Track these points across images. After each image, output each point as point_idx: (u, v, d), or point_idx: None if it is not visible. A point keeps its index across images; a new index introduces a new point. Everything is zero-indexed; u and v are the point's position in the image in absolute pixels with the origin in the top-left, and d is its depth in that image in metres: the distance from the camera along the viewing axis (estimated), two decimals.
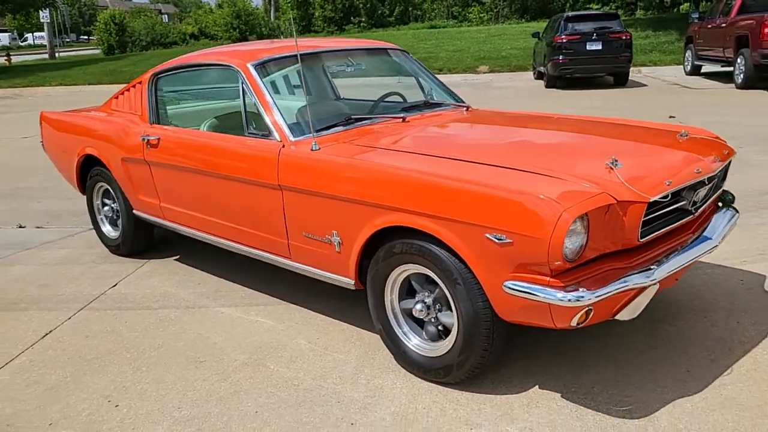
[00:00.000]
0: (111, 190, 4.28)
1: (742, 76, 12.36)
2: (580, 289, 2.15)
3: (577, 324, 2.23)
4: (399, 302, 2.73)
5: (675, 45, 18.84)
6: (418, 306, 2.62)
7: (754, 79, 11.98)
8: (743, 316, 3.08)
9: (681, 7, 27.72)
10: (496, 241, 2.22)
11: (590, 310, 2.20)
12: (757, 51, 11.65)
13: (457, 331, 2.48)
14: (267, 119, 3.14)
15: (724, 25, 13.41)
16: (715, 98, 11.47)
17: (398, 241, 2.57)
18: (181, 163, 3.56)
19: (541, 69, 15.38)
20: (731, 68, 12.90)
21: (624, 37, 13.96)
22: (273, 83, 3.47)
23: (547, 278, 2.18)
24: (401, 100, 3.76)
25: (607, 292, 2.19)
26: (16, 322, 3.47)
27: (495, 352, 2.49)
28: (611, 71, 14.16)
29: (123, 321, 3.41)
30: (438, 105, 3.74)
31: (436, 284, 2.56)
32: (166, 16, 66.54)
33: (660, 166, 2.62)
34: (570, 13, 14.86)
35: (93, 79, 21.48)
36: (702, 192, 2.67)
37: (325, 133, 3.10)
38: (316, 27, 35.35)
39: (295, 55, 3.50)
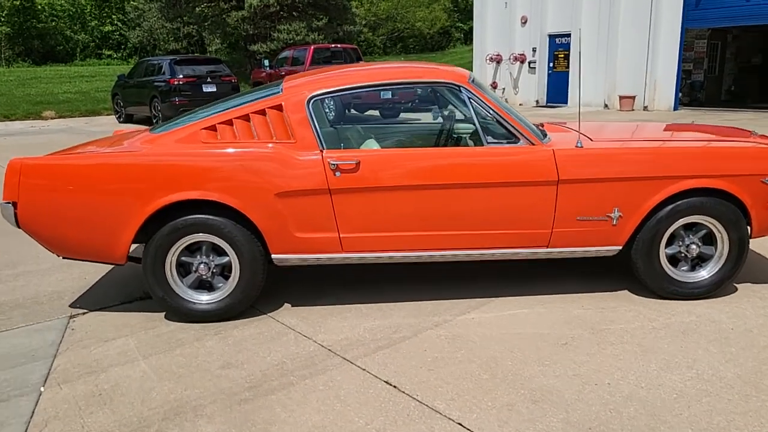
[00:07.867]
0: (214, 243, 3.43)
1: None
2: None
3: None
4: (665, 249, 3.69)
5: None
6: (693, 246, 3.66)
7: None
8: None
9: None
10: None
11: None
12: None
13: (727, 255, 3.65)
14: (514, 128, 3.53)
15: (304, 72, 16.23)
16: None
17: (682, 201, 3.56)
18: (403, 183, 3.41)
19: (132, 111, 16.18)
20: None
21: (233, 81, 15.31)
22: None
23: None
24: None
25: None
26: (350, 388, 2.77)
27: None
28: None
29: (442, 342, 3.13)
30: None
31: (695, 229, 3.65)
32: None
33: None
34: (177, 57, 15.17)
35: None
36: None
37: (549, 136, 3.72)
38: None
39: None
